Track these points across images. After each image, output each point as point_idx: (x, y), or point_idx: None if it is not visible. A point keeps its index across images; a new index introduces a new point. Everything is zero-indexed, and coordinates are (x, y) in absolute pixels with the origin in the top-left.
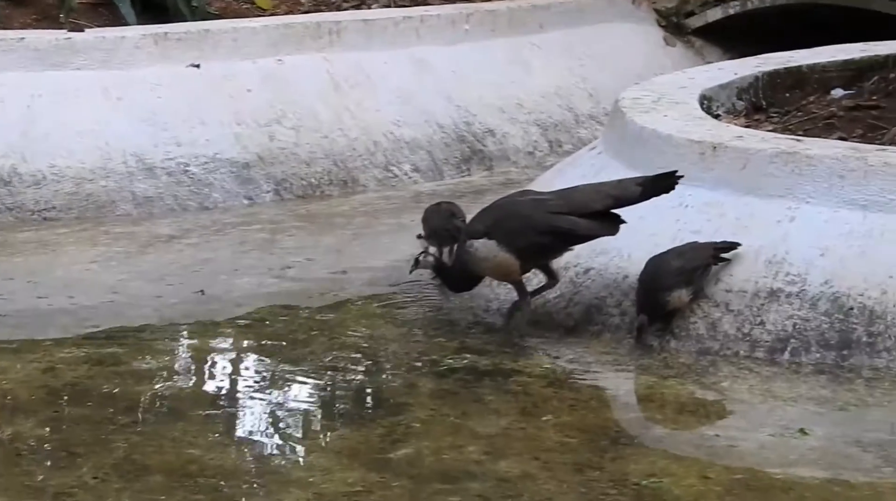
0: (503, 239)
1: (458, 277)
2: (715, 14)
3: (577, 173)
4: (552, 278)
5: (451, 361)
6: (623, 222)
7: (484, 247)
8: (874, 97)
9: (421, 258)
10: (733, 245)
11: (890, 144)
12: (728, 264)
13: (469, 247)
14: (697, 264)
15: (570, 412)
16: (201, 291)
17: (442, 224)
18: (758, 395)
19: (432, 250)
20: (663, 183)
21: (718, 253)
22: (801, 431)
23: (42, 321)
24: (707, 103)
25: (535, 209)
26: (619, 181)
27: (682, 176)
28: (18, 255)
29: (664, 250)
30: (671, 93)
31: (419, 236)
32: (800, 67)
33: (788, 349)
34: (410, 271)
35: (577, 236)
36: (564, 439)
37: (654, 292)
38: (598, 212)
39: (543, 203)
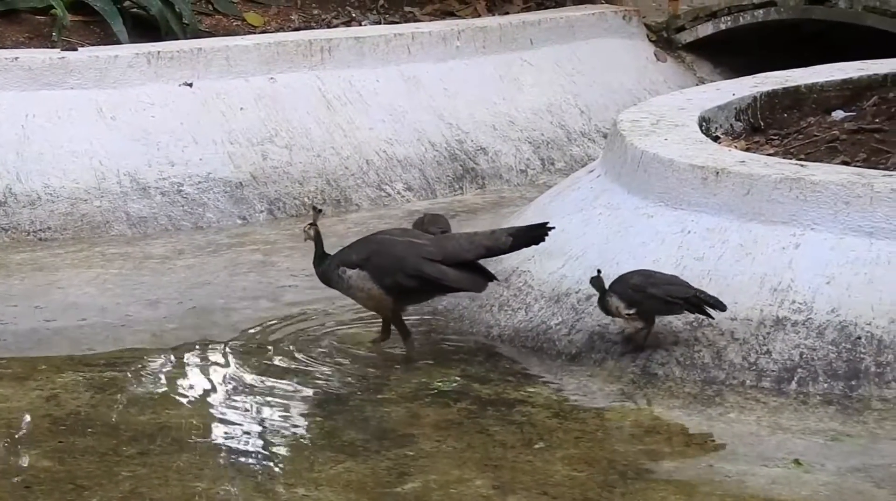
0: (373, 273)
1: (321, 277)
2: (706, 29)
3: (577, 197)
4: (385, 333)
5: (453, 390)
6: (494, 279)
7: (357, 277)
8: (876, 119)
9: (306, 229)
10: (719, 305)
11: (895, 169)
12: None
13: (342, 273)
14: (655, 293)
15: (577, 444)
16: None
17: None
18: (766, 427)
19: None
20: (534, 234)
21: (700, 302)
22: (796, 462)
23: (42, 346)
24: (706, 125)
25: (408, 252)
26: (493, 232)
27: (552, 228)
28: (15, 276)
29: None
30: (670, 115)
31: (314, 208)
32: (798, 87)
33: (795, 378)
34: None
35: (442, 285)
36: (572, 473)
37: (608, 289)
38: (470, 261)
39: (419, 247)
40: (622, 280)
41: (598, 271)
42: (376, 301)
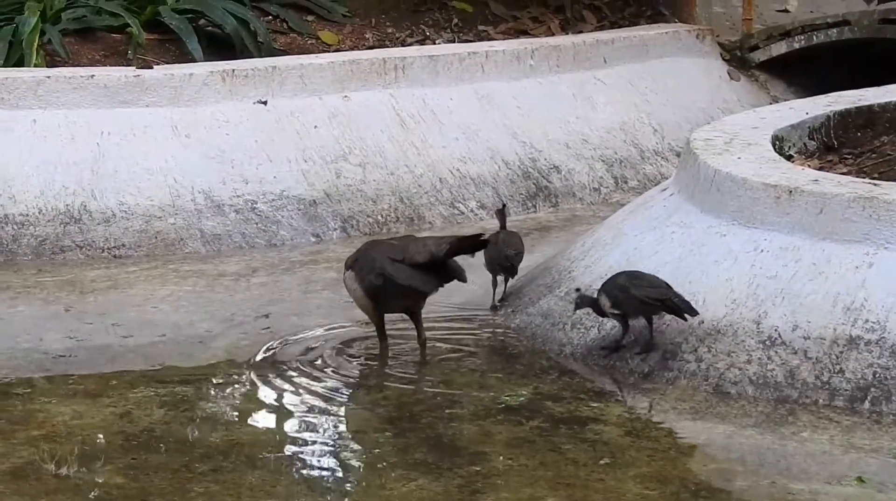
0: (358, 274)
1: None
2: (779, 48)
3: (650, 215)
4: (419, 333)
5: (524, 407)
6: (461, 280)
7: (348, 278)
8: None
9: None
10: (692, 311)
11: None
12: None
13: (343, 276)
14: (634, 294)
15: (649, 462)
16: (265, 315)
17: (493, 257)
18: (838, 446)
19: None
20: (465, 244)
21: (675, 306)
22: (859, 479)
23: (116, 363)
24: (779, 144)
25: (380, 253)
26: (440, 238)
27: (487, 240)
28: (89, 293)
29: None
30: (743, 133)
31: None
32: (871, 105)
33: (869, 398)
34: None
35: (395, 282)
36: (645, 491)
37: (601, 287)
38: (421, 264)
39: (391, 249)
40: (612, 280)
41: (578, 290)
42: (362, 302)
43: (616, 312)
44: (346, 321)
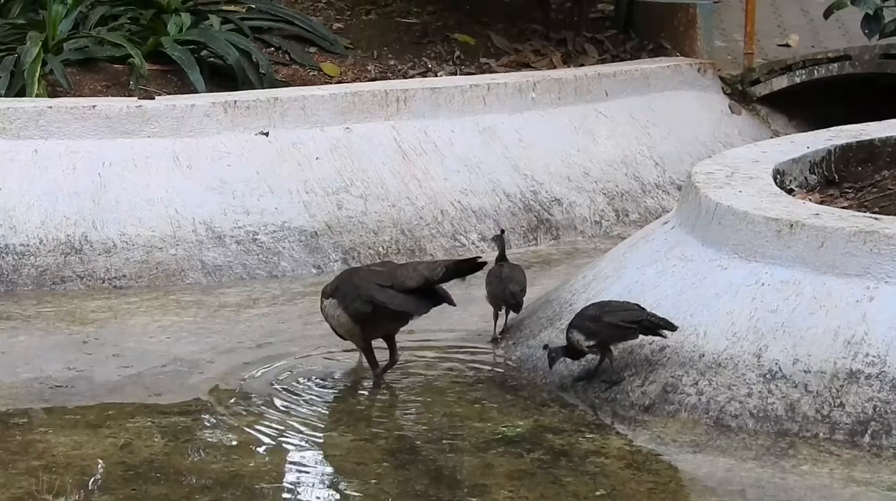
0: (341, 301)
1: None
2: (780, 82)
3: (651, 248)
4: (392, 354)
5: (524, 439)
6: (450, 303)
7: (330, 305)
8: None
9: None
10: (670, 326)
11: None
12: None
13: (321, 304)
14: (610, 321)
15: (650, 495)
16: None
17: (496, 291)
18: (839, 480)
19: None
20: (462, 267)
21: (652, 325)
22: None
23: (116, 393)
24: (780, 177)
25: (365, 280)
26: (436, 263)
27: (484, 262)
28: (90, 324)
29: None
30: (744, 167)
31: None
32: (872, 140)
33: (869, 431)
34: None
35: (388, 309)
36: None
37: (568, 326)
38: (413, 289)
39: (375, 275)
40: (580, 314)
41: (546, 346)
42: (346, 328)
43: (592, 343)
44: (347, 352)
